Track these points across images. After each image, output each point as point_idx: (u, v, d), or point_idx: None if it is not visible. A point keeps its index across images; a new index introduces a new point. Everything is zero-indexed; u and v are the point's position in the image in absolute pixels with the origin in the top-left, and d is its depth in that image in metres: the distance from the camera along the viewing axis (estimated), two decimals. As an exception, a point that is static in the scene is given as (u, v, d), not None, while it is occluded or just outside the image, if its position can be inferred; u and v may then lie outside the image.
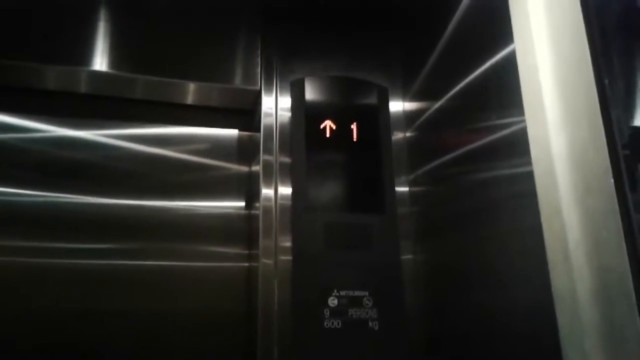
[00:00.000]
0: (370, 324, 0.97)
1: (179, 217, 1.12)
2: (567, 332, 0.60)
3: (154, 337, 1.03)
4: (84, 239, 1.05)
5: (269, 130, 1.10)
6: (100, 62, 1.06)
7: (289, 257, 1.01)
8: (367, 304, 0.98)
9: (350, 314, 0.97)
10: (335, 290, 0.98)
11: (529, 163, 0.66)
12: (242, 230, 1.14)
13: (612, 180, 0.55)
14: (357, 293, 0.99)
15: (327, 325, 0.95)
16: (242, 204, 1.17)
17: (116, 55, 1.08)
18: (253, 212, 1.13)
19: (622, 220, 0.54)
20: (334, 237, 1.02)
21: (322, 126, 1.10)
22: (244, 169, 1.20)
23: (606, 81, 0.57)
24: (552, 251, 0.62)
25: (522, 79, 0.69)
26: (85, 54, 1.06)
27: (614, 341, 0.56)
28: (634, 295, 0.54)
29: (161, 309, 1.05)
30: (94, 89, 1.13)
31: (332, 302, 0.97)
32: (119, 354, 1.01)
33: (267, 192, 1.05)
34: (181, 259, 1.09)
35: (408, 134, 1.16)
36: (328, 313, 0.96)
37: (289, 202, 1.05)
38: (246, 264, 1.12)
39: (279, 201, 1.05)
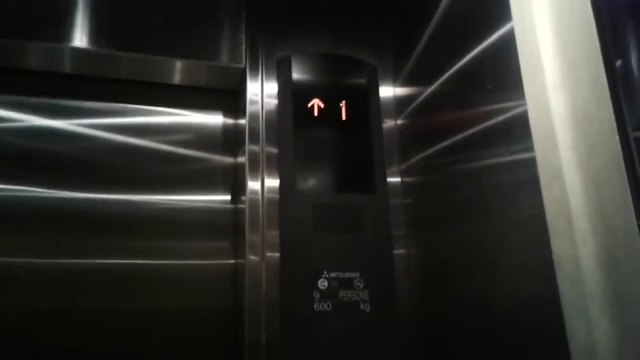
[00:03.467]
0: (361, 305, 0.94)
1: (162, 212, 1.06)
2: (570, 301, 0.56)
3: (137, 337, 0.98)
4: (58, 236, 0.99)
5: (254, 118, 1.05)
6: (82, 39, 1.01)
7: (277, 253, 0.96)
8: (358, 286, 0.95)
9: (340, 296, 0.93)
10: (325, 272, 0.94)
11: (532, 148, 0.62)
12: (228, 225, 1.09)
13: (618, 137, 0.52)
14: (347, 274, 0.95)
15: (317, 308, 0.92)
16: (228, 197, 1.12)
17: (101, 32, 1.02)
18: (239, 206, 1.08)
19: (629, 178, 0.51)
20: (322, 218, 0.98)
21: (310, 105, 1.06)
22: (229, 160, 1.15)
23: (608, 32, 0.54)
24: (552, 216, 0.59)
25: (518, 38, 0.66)
26: (67, 31, 1.00)
27: (620, 307, 0.53)
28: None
29: (143, 308, 0.99)
30: (77, 67, 1.07)
31: (322, 284, 0.94)
32: (100, 354, 0.96)
33: (253, 184, 1.01)
34: (164, 257, 1.03)
35: (399, 122, 1.12)
36: (318, 295, 0.93)
37: (276, 196, 1.00)
38: (232, 261, 1.07)
39: (266, 194, 1.00)
